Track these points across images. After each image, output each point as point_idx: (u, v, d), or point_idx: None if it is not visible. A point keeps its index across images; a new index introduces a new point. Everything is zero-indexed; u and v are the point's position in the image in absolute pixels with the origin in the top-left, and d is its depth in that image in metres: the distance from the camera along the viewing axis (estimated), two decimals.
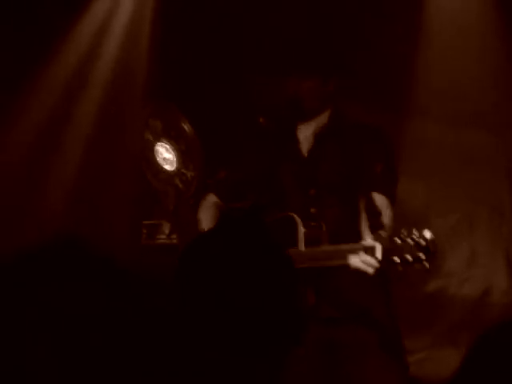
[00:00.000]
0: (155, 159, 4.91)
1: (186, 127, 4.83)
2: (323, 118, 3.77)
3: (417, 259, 3.11)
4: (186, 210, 4.50)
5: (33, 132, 5.21)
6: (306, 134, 3.78)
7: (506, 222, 5.58)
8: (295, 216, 3.57)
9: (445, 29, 5.18)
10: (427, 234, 3.14)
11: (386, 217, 3.50)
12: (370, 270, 3.25)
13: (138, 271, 1.55)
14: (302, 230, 3.52)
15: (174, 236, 4.95)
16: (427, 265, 3.12)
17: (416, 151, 5.38)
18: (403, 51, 5.16)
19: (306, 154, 3.77)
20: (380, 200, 3.57)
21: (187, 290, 1.74)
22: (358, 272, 3.30)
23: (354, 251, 3.29)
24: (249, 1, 5.23)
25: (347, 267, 3.33)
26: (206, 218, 3.86)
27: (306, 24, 4.76)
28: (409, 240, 3.13)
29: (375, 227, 3.36)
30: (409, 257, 3.12)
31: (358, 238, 3.41)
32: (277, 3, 5.16)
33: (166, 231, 5.12)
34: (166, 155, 4.89)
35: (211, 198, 3.91)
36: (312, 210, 3.65)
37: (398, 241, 3.16)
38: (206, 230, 3.81)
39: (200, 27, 5.22)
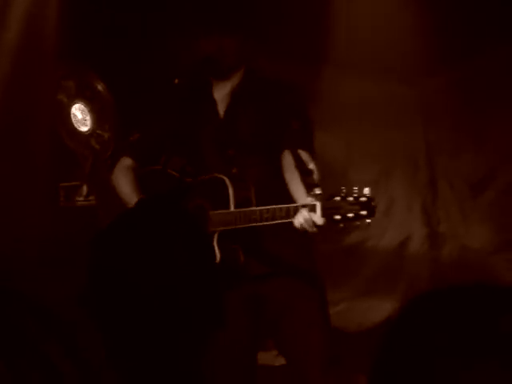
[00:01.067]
0: (70, 120, 4.83)
1: (100, 87, 4.76)
2: (237, 77, 3.76)
3: (358, 216, 3.15)
4: (103, 171, 4.45)
5: None
6: (222, 93, 3.76)
7: (421, 172, 5.67)
8: (225, 178, 3.57)
9: None
10: (367, 191, 3.18)
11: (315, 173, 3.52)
12: (313, 229, 3.27)
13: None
14: (231, 191, 3.53)
15: (92, 197, 4.90)
16: (368, 220, 3.17)
17: (333, 105, 5.42)
18: (318, 4, 5.16)
19: (222, 115, 3.75)
20: (304, 156, 3.59)
21: (101, 275, 1.71)
22: (286, 229, 3.33)
23: (295, 210, 3.31)
24: None
25: (273, 226, 3.35)
26: (124, 183, 3.81)
27: None
28: (349, 198, 3.17)
29: (310, 185, 3.38)
30: (350, 214, 3.16)
31: (284, 196, 3.44)
32: None
33: (84, 193, 5.07)
34: (80, 116, 4.82)
35: (126, 162, 3.85)
36: (233, 171, 3.65)
37: (338, 198, 3.20)
38: (127, 193, 3.79)
39: None
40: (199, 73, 3.78)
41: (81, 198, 5.08)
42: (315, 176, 3.46)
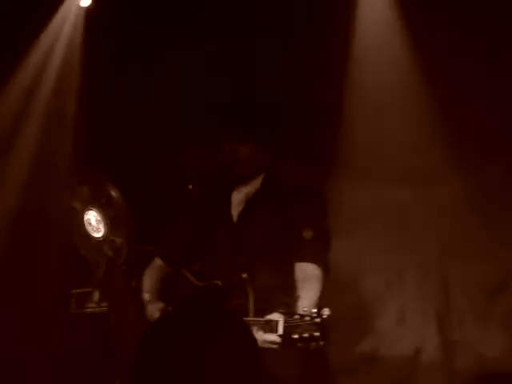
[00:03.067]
0: (83, 227, 4.83)
1: (114, 193, 4.78)
2: (257, 182, 3.77)
3: (312, 337, 3.15)
4: (116, 277, 4.44)
5: None
6: (238, 197, 3.78)
7: (434, 277, 5.63)
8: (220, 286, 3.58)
9: (370, 85, 5.27)
10: (325, 312, 3.18)
11: (310, 287, 3.51)
12: (274, 346, 3.27)
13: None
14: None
15: (104, 304, 4.86)
16: (321, 342, 3.16)
17: (344, 209, 5.43)
18: (333, 113, 5.22)
19: (235, 219, 3.76)
20: (308, 269, 3.58)
21: (149, 373, 1.69)
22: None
23: (257, 326, 3.30)
24: (183, 64, 5.24)
25: None
26: (148, 280, 3.87)
27: (242, 89, 4.79)
28: (306, 317, 3.17)
29: (285, 304, 3.41)
30: (306, 334, 3.16)
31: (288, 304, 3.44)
32: (214, 68, 5.19)
33: (96, 299, 5.03)
34: (94, 222, 4.82)
35: (156, 263, 3.93)
36: (243, 276, 3.64)
37: (297, 317, 3.20)
38: (146, 291, 3.82)
39: (129, 91, 5.21)
40: (215, 177, 3.82)
41: (92, 305, 5.04)
42: (302, 292, 3.47)
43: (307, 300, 3.45)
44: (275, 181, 3.80)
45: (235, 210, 3.78)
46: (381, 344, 5.62)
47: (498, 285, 5.44)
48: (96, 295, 5.01)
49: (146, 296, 3.88)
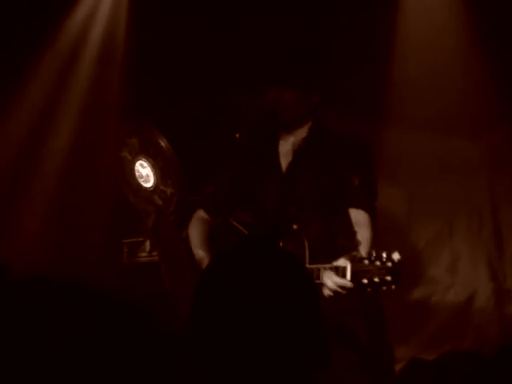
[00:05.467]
0: (134, 177, 4.87)
1: (164, 144, 4.80)
2: (303, 131, 3.75)
3: (383, 281, 3.12)
4: (166, 227, 4.47)
5: (9, 151, 5.17)
6: (286, 148, 3.76)
7: (485, 226, 5.58)
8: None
9: (419, 37, 5.19)
10: (395, 256, 3.15)
11: (363, 233, 3.51)
12: (342, 291, 3.25)
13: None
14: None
15: (155, 253, 4.91)
16: (393, 287, 3.14)
17: (395, 159, 5.39)
18: (380, 60, 5.16)
19: (284, 170, 3.75)
20: (358, 215, 3.58)
21: (208, 312, 1.69)
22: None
23: (326, 272, 3.30)
24: (224, 15, 5.21)
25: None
26: (196, 235, 3.86)
27: (285, 35, 4.75)
28: (377, 262, 3.14)
29: (347, 249, 3.38)
30: (376, 278, 3.13)
31: (339, 252, 3.42)
32: (256, 17, 5.15)
33: (147, 249, 5.09)
34: (144, 172, 4.86)
35: (200, 214, 3.91)
36: (294, 227, 3.64)
37: (367, 262, 3.17)
38: (196, 245, 3.83)
39: (176, 43, 5.20)
40: (261, 126, 3.80)
41: (144, 254, 5.09)
42: (359, 236, 3.46)
43: (365, 245, 3.44)
44: (321, 129, 3.78)
45: (283, 161, 3.76)
46: (433, 291, 5.60)
47: None
48: (147, 245, 5.06)
49: (200, 253, 3.87)
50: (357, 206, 3.59)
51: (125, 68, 5.10)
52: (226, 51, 5.21)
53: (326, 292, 3.30)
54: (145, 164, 4.86)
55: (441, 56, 5.21)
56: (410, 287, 5.52)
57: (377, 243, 3.79)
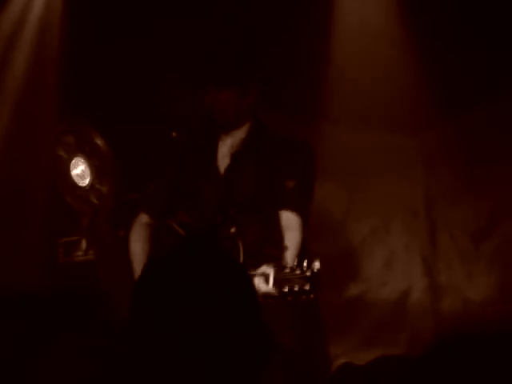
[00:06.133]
0: (69, 175, 4.83)
1: (99, 142, 4.77)
2: (242, 132, 3.74)
3: (302, 290, 3.15)
4: (102, 226, 4.45)
5: None
6: (224, 150, 3.75)
7: (421, 222, 5.65)
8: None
9: (356, 33, 5.23)
10: (316, 265, 3.17)
11: (293, 236, 3.52)
12: (265, 300, 3.27)
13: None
14: None
15: (91, 252, 4.88)
16: (311, 296, 3.16)
17: (333, 156, 5.41)
18: (318, 57, 5.18)
19: (223, 173, 3.74)
20: (289, 218, 3.58)
21: (147, 313, 1.68)
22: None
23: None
24: (163, 10, 5.18)
25: None
26: (135, 241, 3.81)
27: (221, 34, 4.74)
28: (297, 271, 3.17)
29: (273, 257, 3.40)
30: (296, 287, 3.16)
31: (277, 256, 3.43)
32: (193, 14, 5.13)
33: (83, 247, 5.05)
34: (79, 171, 4.82)
35: (142, 218, 3.86)
36: (232, 230, 3.64)
37: (288, 270, 3.20)
38: (137, 250, 3.78)
39: (112, 38, 5.15)
40: (200, 126, 3.79)
41: (80, 253, 5.05)
42: (287, 241, 3.48)
43: (292, 250, 3.45)
44: (261, 130, 3.77)
45: (222, 163, 3.75)
46: (368, 288, 5.65)
47: (484, 229, 5.47)
48: (83, 244, 5.03)
49: (138, 254, 3.84)
50: (288, 208, 3.60)
51: (60, 65, 5.04)
52: (163, 48, 5.18)
53: None
54: (81, 162, 4.82)
55: (379, 54, 5.26)
56: (345, 284, 5.56)
57: (309, 244, 3.81)
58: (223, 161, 3.74)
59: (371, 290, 5.66)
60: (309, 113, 5.29)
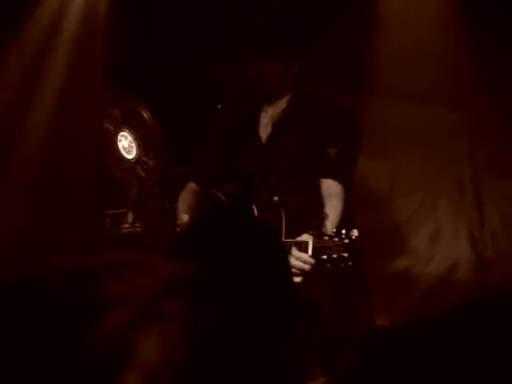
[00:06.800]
0: (116, 148, 4.87)
1: (146, 115, 4.79)
2: (283, 102, 3.77)
3: (340, 257, 3.17)
4: (148, 198, 4.48)
5: None
6: (266, 119, 3.78)
7: (467, 197, 5.62)
8: (253, 207, 3.58)
9: (402, 8, 5.20)
10: (354, 233, 3.18)
11: (333, 204, 3.53)
12: (305, 267, 3.28)
13: None
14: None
15: (138, 224, 4.92)
16: (350, 263, 3.18)
17: (379, 131, 5.40)
18: (363, 31, 5.15)
19: (264, 141, 3.76)
20: (331, 186, 3.59)
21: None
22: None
23: (288, 247, 3.32)
24: None
25: None
26: (182, 203, 3.91)
27: (266, 7, 4.74)
28: (336, 238, 3.18)
29: (312, 225, 3.41)
30: (334, 255, 3.17)
31: (317, 224, 3.45)
32: None
33: (130, 220, 5.09)
34: (126, 144, 4.85)
35: (191, 186, 3.96)
36: (275, 198, 3.66)
37: (327, 238, 3.21)
38: (181, 211, 3.86)
39: (160, 14, 5.18)
40: (243, 97, 3.81)
41: (127, 226, 5.10)
42: (328, 209, 3.48)
43: (333, 219, 3.46)
44: (302, 100, 3.79)
45: (263, 132, 3.77)
46: (415, 262, 5.64)
47: None
48: (130, 216, 5.07)
49: (185, 217, 3.92)
50: (329, 177, 3.60)
51: (108, 39, 5.08)
52: (208, 23, 5.19)
53: (291, 265, 3.33)
54: (127, 135, 4.85)
55: (424, 28, 5.22)
56: (392, 258, 5.56)
57: (354, 216, 3.81)
58: (265, 130, 3.77)
59: (417, 265, 5.65)
60: (354, 85, 5.27)
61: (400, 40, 5.21)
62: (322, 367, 4.04)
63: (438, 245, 5.65)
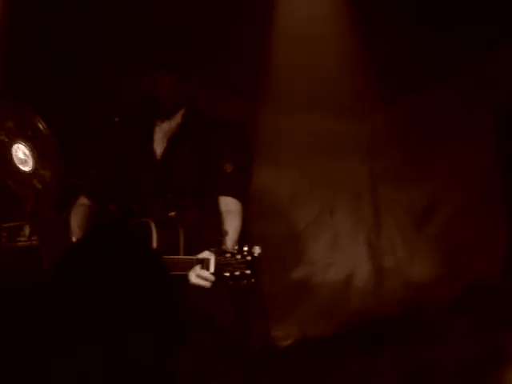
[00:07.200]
0: (12, 160, 4.77)
1: (41, 126, 4.71)
2: (178, 117, 3.76)
3: (243, 275, 3.19)
4: (45, 211, 4.41)
5: None
6: (161, 134, 3.76)
7: (365, 206, 5.70)
8: (151, 222, 3.56)
9: (298, 19, 5.24)
10: (256, 250, 3.22)
11: (232, 222, 3.55)
12: (206, 284, 3.29)
13: None
14: (155, 237, 3.53)
15: (35, 237, 4.83)
16: (252, 280, 3.21)
17: (278, 141, 5.44)
18: (259, 40, 5.18)
19: (159, 157, 3.75)
20: (229, 203, 3.61)
21: (65, 297, 1.69)
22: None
23: (190, 264, 3.32)
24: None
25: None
26: (75, 223, 3.85)
27: (164, 22, 4.73)
28: (238, 256, 3.21)
29: (215, 239, 3.42)
30: (237, 272, 3.20)
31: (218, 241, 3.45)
32: (136, 2, 5.10)
33: (27, 233, 5.00)
34: (21, 156, 4.77)
35: (81, 201, 3.89)
36: (171, 214, 3.64)
37: (229, 255, 3.23)
38: (75, 233, 3.81)
39: (54, 21, 5.10)
40: (137, 111, 3.79)
41: (23, 239, 5.00)
42: (227, 225, 3.50)
43: (232, 236, 3.48)
44: (197, 115, 3.79)
45: (158, 147, 3.76)
46: (314, 271, 5.69)
47: (427, 212, 5.53)
48: (27, 229, 4.97)
49: (78, 233, 3.87)
50: (227, 194, 3.62)
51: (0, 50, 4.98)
52: (102, 34, 5.14)
53: (192, 282, 3.34)
54: (22, 147, 4.76)
55: (322, 39, 5.28)
56: (291, 268, 5.60)
57: (255, 227, 3.83)
58: (159, 145, 3.75)
59: (316, 274, 5.70)
60: (252, 96, 5.30)
61: (297, 50, 5.26)
62: (218, 380, 4.04)
63: (337, 253, 5.72)
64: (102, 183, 3.86)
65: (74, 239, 3.81)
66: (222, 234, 3.46)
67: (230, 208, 3.58)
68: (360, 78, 5.28)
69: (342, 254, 5.72)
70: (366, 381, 1.07)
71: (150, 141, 3.77)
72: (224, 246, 3.35)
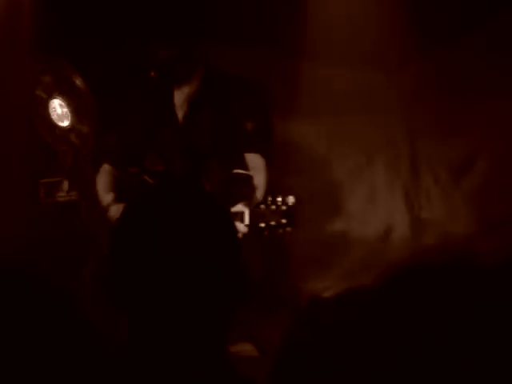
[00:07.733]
0: (49, 116, 4.79)
1: (79, 82, 4.72)
2: (197, 81, 3.78)
3: (279, 224, 3.23)
4: (83, 166, 4.44)
5: None
6: (181, 99, 3.80)
7: (402, 158, 5.67)
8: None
9: None
10: (290, 199, 3.25)
11: (259, 177, 3.59)
12: (240, 236, 3.33)
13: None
14: None
15: (73, 193, 4.87)
16: (288, 229, 3.25)
17: (313, 93, 5.40)
18: None
19: (181, 120, 3.78)
20: (254, 160, 3.65)
21: (125, 254, 1.68)
22: None
23: None
24: None
25: None
26: (101, 184, 3.90)
27: None
28: (272, 206, 3.24)
29: (243, 195, 3.45)
30: (272, 222, 3.24)
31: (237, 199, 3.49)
32: None
33: (65, 188, 5.03)
34: (59, 111, 4.78)
35: (105, 168, 3.94)
36: (199, 174, 3.69)
37: (263, 207, 3.27)
38: (103, 191, 3.85)
39: None
40: (155, 79, 3.80)
41: (62, 194, 5.04)
42: (256, 180, 3.53)
43: (261, 189, 3.54)
44: (215, 76, 3.81)
45: (179, 112, 3.79)
46: (351, 224, 5.69)
47: (464, 165, 5.49)
48: (65, 184, 5.01)
49: (109, 197, 3.90)
50: (251, 151, 3.68)
51: (36, 4, 4.98)
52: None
53: None
54: (60, 103, 4.78)
55: None
56: (328, 221, 5.59)
57: (288, 179, 3.85)
58: (180, 110, 3.79)
59: (354, 226, 5.70)
60: (287, 49, 5.26)
61: (334, 3, 5.21)
62: (248, 333, 4.09)
63: (374, 207, 5.71)
64: (125, 149, 3.90)
65: (105, 203, 3.84)
66: (252, 188, 3.50)
67: (255, 164, 3.64)
68: (394, 30, 5.21)
69: (380, 208, 5.70)
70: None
71: (172, 105, 3.80)
72: (255, 199, 3.40)
